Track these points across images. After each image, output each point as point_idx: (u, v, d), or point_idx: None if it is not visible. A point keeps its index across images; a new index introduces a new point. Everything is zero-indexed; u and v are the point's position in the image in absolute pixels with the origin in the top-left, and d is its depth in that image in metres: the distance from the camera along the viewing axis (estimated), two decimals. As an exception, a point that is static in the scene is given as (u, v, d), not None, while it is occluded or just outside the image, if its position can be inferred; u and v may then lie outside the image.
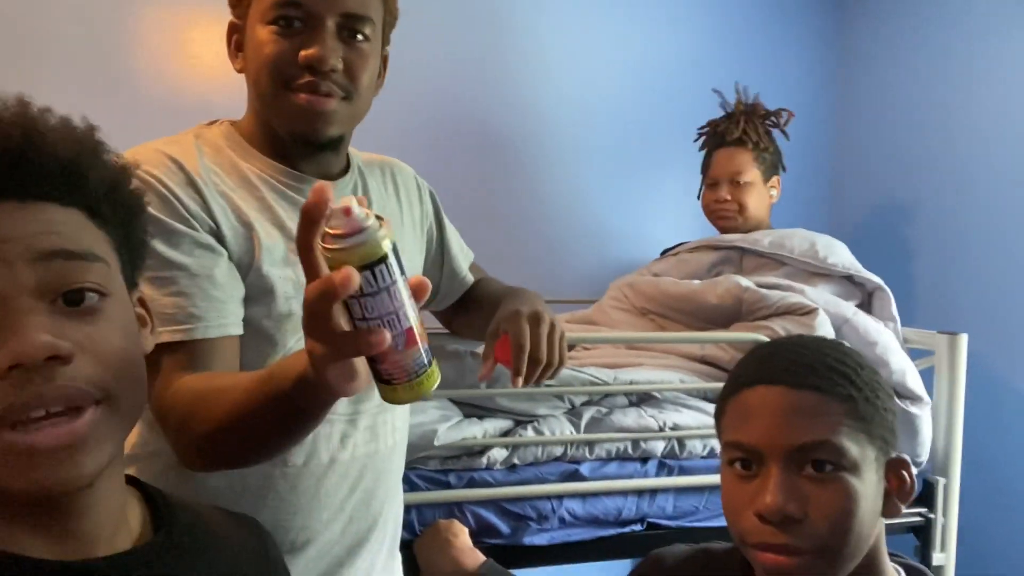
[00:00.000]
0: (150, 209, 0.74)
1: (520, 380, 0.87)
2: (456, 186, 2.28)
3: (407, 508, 1.13)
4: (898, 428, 0.74)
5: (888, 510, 0.72)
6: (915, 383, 1.49)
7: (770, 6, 2.50)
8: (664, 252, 2.07)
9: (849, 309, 1.55)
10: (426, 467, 1.25)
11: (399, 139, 2.21)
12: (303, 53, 0.80)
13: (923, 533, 1.58)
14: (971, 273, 2.04)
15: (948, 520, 1.56)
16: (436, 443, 1.22)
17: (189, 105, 1.96)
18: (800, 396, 0.69)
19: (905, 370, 1.49)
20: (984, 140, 2.00)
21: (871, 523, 0.70)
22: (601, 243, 2.40)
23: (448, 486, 1.26)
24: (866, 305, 1.66)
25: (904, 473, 0.72)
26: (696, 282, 1.71)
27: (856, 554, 0.69)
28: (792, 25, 2.53)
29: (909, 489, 0.73)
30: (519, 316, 0.89)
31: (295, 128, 0.84)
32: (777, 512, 0.66)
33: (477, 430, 1.28)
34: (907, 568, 0.77)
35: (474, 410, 1.33)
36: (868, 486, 0.69)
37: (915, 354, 1.60)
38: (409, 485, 1.21)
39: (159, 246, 0.75)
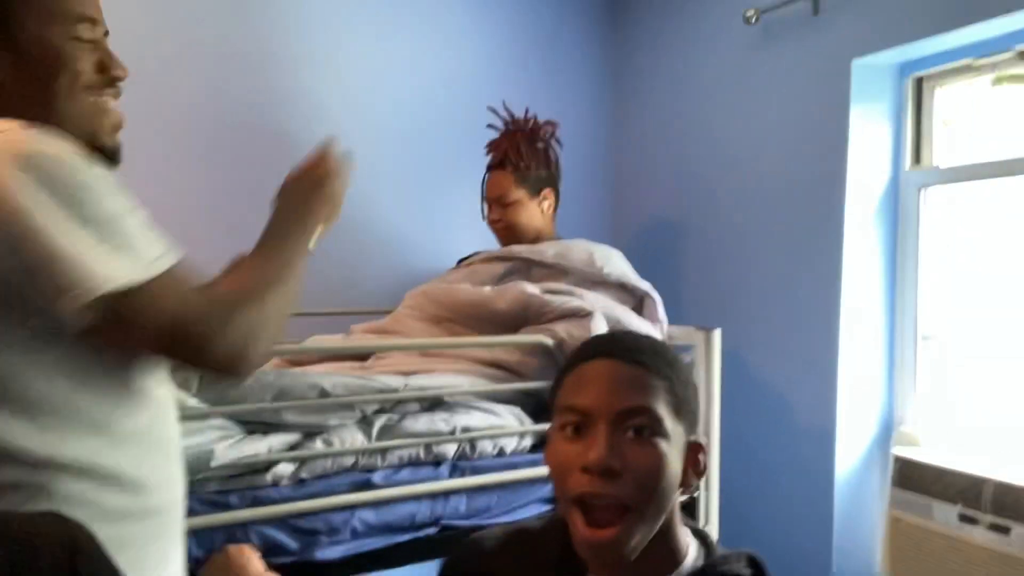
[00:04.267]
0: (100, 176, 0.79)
1: None
2: (241, 190, 2.20)
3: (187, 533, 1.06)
4: (699, 415, 0.87)
5: (683, 482, 0.84)
6: (678, 376, 1.66)
7: (552, 26, 2.67)
8: (460, 262, 2.13)
9: (622, 311, 1.70)
10: (204, 490, 1.19)
11: (167, 137, 2.09)
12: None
13: (690, 508, 1.77)
14: (727, 279, 2.31)
15: (710, 495, 1.75)
16: (213, 464, 1.17)
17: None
18: (629, 369, 0.82)
19: (669, 365, 1.65)
20: (731, 161, 2.28)
21: (673, 487, 0.82)
22: (398, 253, 2.42)
23: (229, 507, 1.20)
24: (638, 309, 1.81)
25: (700, 456, 0.85)
26: (487, 289, 1.78)
27: (660, 512, 0.80)
28: (573, 46, 2.72)
29: (702, 468, 0.86)
30: None
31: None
32: (601, 464, 0.77)
33: (261, 446, 1.24)
34: (693, 530, 0.89)
35: (258, 426, 1.28)
36: (674, 454, 0.81)
37: (678, 350, 1.78)
38: (187, 511, 1.15)
39: (124, 201, 0.82)
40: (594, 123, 2.76)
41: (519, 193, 1.98)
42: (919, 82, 1.97)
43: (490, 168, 2.06)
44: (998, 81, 1.79)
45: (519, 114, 2.05)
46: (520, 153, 1.98)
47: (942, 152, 1.94)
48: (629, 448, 0.79)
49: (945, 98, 1.94)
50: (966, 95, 1.89)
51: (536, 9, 2.64)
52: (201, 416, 1.21)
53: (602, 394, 0.81)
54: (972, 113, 1.88)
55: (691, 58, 2.44)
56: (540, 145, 2.04)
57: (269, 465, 1.25)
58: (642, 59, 2.67)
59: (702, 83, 2.40)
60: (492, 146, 2.07)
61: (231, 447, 1.21)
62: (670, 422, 0.81)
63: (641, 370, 0.81)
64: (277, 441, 1.26)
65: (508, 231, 2.02)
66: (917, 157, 1.98)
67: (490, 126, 2.08)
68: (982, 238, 1.85)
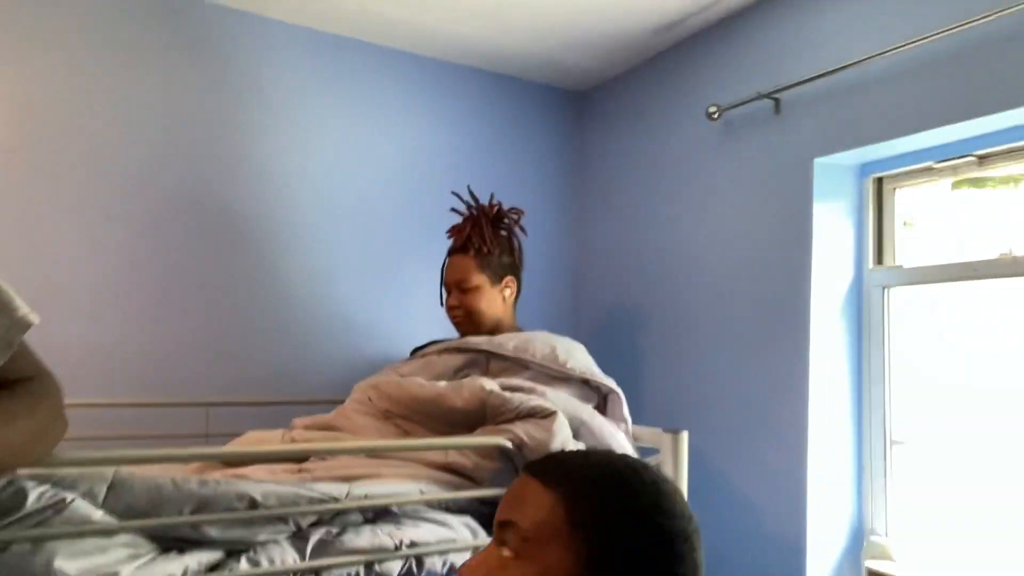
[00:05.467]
0: None
1: None
2: (182, 268, 2.08)
3: None
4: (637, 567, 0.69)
5: None
6: (644, 483, 1.55)
7: (516, 116, 2.67)
8: (414, 351, 2.02)
9: (586, 411, 1.59)
10: (104, 621, 1.02)
11: (113, 205, 1.98)
12: None
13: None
14: (690, 376, 2.24)
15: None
16: (117, 589, 1.00)
17: None
18: (537, 486, 0.72)
19: (635, 470, 1.54)
20: (693, 257, 2.25)
21: None
22: (348, 339, 2.30)
23: (132, 642, 1.03)
24: (601, 407, 1.71)
25: None
26: (442, 384, 1.66)
27: None
28: (536, 136, 2.72)
29: None
30: None
31: None
32: None
33: (175, 567, 1.08)
34: None
35: (175, 543, 1.12)
36: None
37: (643, 452, 1.68)
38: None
39: None
40: (556, 213, 2.74)
41: (480, 279, 1.90)
42: (879, 182, 1.98)
43: (451, 252, 1.98)
44: (958, 185, 1.81)
45: (483, 200, 2.00)
46: (484, 238, 1.91)
47: (904, 252, 1.93)
48: (496, 565, 0.71)
49: (905, 198, 1.95)
50: (926, 197, 1.90)
51: (501, 99, 2.64)
52: (107, 532, 1.05)
53: (501, 508, 0.75)
54: (933, 215, 1.88)
55: (654, 151, 2.44)
56: (504, 232, 1.97)
57: (184, 589, 1.08)
58: (605, 150, 2.67)
59: (664, 176, 2.39)
60: (455, 230, 2.00)
61: (139, 569, 1.05)
62: (542, 544, 0.68)
63: (548, 491, 0.71)
64: (194, 560, 1.10)
65: (467, 318, 1.93)
66: (879, 257, 1.97)
67: (453, 210, 2.01)
68: (950, 340, 1.82)
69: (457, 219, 2.02)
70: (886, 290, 1.93)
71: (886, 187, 1.97)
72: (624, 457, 0.80)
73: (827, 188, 1.94)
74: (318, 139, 2.29)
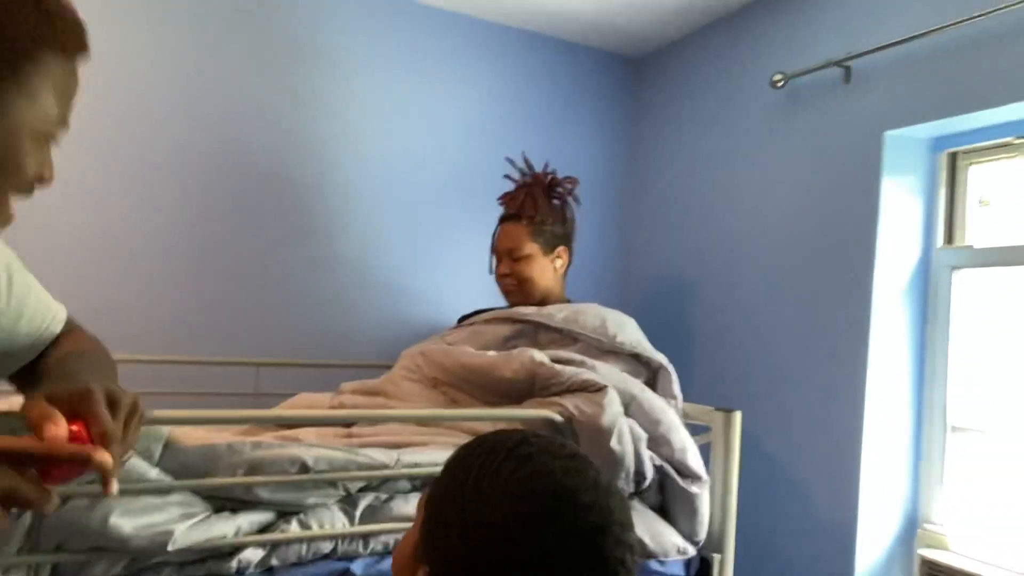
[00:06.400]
0: None
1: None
2: (235, 231, 2.08)
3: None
4: None
5: None
6: (695, 462, 1.52)
7: (569, 84, 2.60)
8: (461, 320, 2.00)
9: (637, 387, 1.56)
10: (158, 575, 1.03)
11: (166, 179, 1.98)
12: None
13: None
14: (742, 353, 2.18)
15: (722, 593, 1.58)
16: (171, 547, 1.01)
17: None
18: None
19: (687, 448, 1.51)
20: (750, 229, 2.18)
21: None
22: (397, 304, 2.30)
23: (185, 598, 1.04)
24: (651, 382, 1.68)
25: None
26: (491, 354, 1.64)
27: None
28: (589, 103, 2.65)
29: None
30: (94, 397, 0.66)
31: None
32: None
33: (228, 527, 1.08)
34: None
35: (228, 503, 1.13)
36: None
37: (693, 430, 1.64)
38: (135, 600, 0.99)
39: None
40: (609, 181, 2.68)
41: (532, 247, 1.87)
42: (953, 157, 1.88)
43: (504, 219, 1.94)
44: (1042, 162, 1.70)
45: (538, 167, 1.95)
46: (537, 206, 1.87)
47: (976, 232, 1.84)
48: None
49: (981, 176, 1.85)
50: (1003, 174, 1.80)
51: (556, 64, 2.57)
52: (162, 491, 1.06)
53: None
54: (1010, 193, 1.78)
55: (713, 119, 2.36)
56: (557, 201, 1.93)
57: (235, 550, 1.09)
58: (662, 117, 2.59)
59: (723, 145, 2.31)
60: (508, 197, 1.96)
61: (193, 527, 1.06)
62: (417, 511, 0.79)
63: None
64: (247, 521, 1.11)
65: (517, 287, 1.90)
66: (950, 236, 1.88)
67: (507, 177, 1.97)
68: (1019, 325, 1.73)
69: (510, 186, 1.98)
70: (955, 271, 1.84)
71: (960, 163, 1.87)
72: (514, 434, 0.75)
73: (897, 162, 1.85)
74: (372, 102, 2.26)
